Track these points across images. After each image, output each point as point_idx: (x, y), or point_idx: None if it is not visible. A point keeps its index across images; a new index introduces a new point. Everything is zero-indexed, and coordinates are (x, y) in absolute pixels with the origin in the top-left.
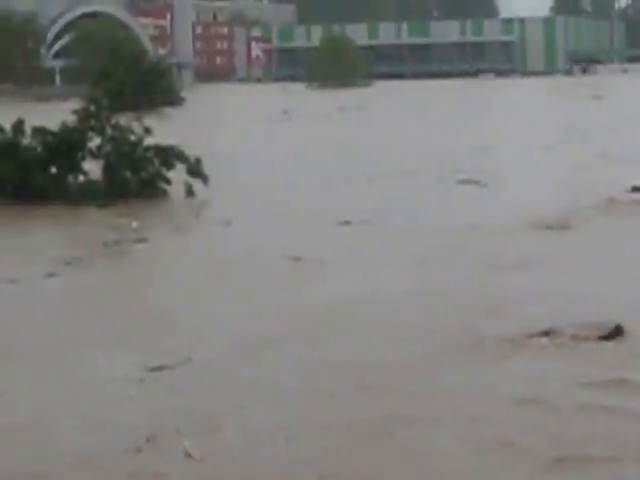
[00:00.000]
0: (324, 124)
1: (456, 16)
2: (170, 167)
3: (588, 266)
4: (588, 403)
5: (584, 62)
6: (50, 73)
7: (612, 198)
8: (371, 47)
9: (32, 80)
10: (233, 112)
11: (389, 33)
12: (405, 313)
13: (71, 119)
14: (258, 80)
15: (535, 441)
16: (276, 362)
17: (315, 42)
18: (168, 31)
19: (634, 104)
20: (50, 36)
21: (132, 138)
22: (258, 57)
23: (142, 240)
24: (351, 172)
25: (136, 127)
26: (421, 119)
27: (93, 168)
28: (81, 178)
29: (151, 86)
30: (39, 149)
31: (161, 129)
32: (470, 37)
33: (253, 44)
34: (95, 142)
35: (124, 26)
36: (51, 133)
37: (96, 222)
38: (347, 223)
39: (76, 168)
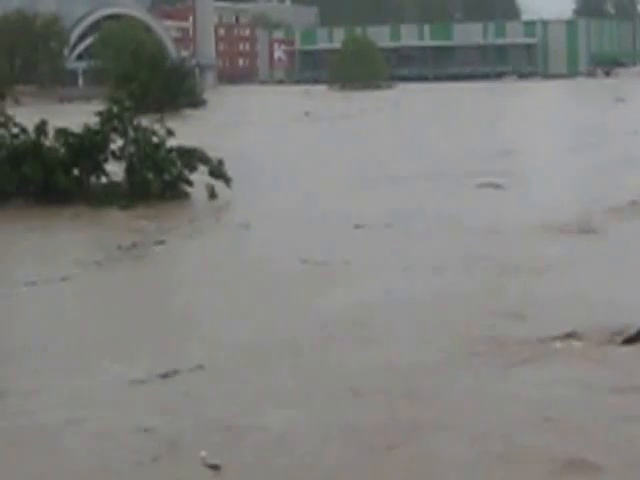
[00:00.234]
0: (345, 126)
1: (478, 18)
2: (192, 169)
3: (611, 269)
4: (616, 408)
5: (607, 65)
6: (73, 74)
7: (634, 201)
8: (393, 49)
9: (55, 81)
10: (255, 114)
11: (411, 35)
12: (425, 317)
13: (94, 121)
14: (280, 82)
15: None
16: (293, 367)
17: (337, 44)
18: (191, 33)
19: None
20: (73, 38)
21: (155, 140)
22: (280, 59)
23: (159, 243)
24: (371, 175)
25: (159, 129)
26: (443, 122)
27: (115, 170)
28: (103, 179)
29: (174, 88)
30: (62, 150)
31: (183, 131)
32: (492, 39)
33: (275, 46)
34: (118, 144)
35: (147, 28)
36: (74, 134)
37: (117, 224)
38: (366, 226)
39: (99, 169)
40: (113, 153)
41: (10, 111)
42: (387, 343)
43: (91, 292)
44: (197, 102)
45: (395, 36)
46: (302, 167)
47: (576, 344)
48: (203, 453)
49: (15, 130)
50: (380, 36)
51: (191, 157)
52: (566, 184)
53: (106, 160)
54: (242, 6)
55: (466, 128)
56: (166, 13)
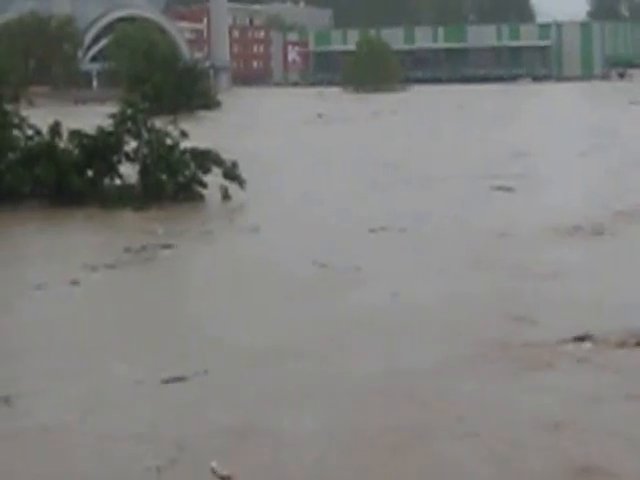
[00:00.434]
0: (358, 128)
1: (492, 20)
2: (206, 170)
3: (622, 271)
4: (631, 412)
5: (621, 67)
6: (87, 76)
7: None
8: (407, 51)
9: (69, 83)
10: (269, 116)
11: (425, 37)
12: (437, 320)
13: (108, 122)
14: (294, 84)
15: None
16: (300, 373)
17: (351, 46)
18: (205, 35)
19: None
20: (87, 39)
21: (168, 141)
22: (295, 61)
23: (168, 246)
24: (384, 178)
25: (172, 130)
26: (457, 124)
27: (129, 171)
28: (117, 181)
29: (187, 89)
30: (76, 152)
31: (197, 132)
32: (506, 42)
33: (290, 48)
34: (131, 145)
35: (161, 30)
36: (88, 136)
37: (130, 226)
38: (378, 230)
39: (112, 171)
40: (127, 155)
41: (24, 112)
42: (395, 349)
43: (96, 297)
44: (211, 104)
45: (409, 38)
46: (315, 169)
47: (589, 346)
48: (214, 464)
49: (29, 132)
50: (394, 38)
51: (205, 159)
52: (578, 187)
53: (120, 162)
54: (256, 8)
55: (480, 131)
56: (180, 15)
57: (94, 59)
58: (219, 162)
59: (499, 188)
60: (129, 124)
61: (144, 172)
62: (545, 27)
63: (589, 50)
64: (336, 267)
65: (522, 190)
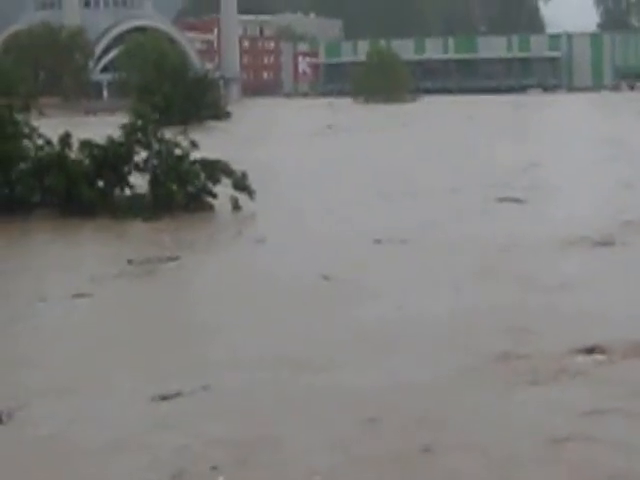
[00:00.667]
0: (368, 139)
1: (502, 31)
2: (216, 181)
3: (631, 282)
4: None
5: (631, 78)
6: (98, 87)
7: None
8: (418, 62)
9: (80, 94)
10: (278, 127)
11: (436, 48)
12: (443, 333)
13: (118, 133)
14: (305, 95)
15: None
16: (305, 387)
17: (362, 57)
18: (215, 45)
19: None
20: (98, 50)
21: (178, 152)
22: (305, 72)
23: (173, 258)
24: (393, 188)
25: (182, 141)
26: (467, 134)
27: (140, 182)
28: (127, 191)
29: (197, 100)
30: (86, 162)
31: (207, 143)
32: (517, 52)
33: (300, 59)
34: (142, 156)
35: (171, 40)
36: (98, 146)
37: (139, 237)
38: (384, 241)
39: (123, 181)
40: (137, 165)
41: (35, 123)
42: (399, 362)
43: (101, 310)
44: (221, 114)
45: (419, 49)
46: (324, 180)
47: (599, 358)
48: (221, 479)
49: (40, 142)
50: (404, 49)
51: (215, 169)
52: (589, 197)
53: (130, 172)
54: (267, 18)
55: (490, 141)
56: (191, 25)
57: (105, 69)
58: (229, 172)
59: (509, 199)
60: (139, 135)
61: (154, 182)
62: (555, 38)
63: (599, 61)
64: (341, 279)
65: (532, 201)
